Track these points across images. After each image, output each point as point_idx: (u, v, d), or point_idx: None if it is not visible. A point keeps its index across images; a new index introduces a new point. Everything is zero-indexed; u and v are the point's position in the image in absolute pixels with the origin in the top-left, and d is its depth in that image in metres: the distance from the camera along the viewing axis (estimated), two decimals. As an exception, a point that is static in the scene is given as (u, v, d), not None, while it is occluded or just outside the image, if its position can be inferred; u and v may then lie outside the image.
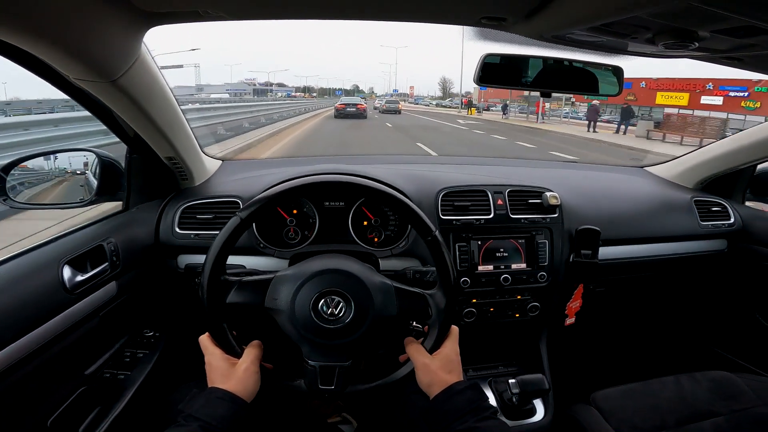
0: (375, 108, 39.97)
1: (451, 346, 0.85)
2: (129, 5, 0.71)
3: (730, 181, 1.71)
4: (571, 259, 1.36)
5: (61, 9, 0.63)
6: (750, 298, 1.67)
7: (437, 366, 0.81)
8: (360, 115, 23.33)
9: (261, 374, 0.80)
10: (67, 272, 0.91)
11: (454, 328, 0.87)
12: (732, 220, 1.63)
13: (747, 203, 1.75)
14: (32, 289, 0.84)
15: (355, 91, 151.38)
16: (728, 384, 1.20)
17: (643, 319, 1.97)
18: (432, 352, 0.83)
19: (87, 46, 0.72)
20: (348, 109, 23.46)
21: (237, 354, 0.81)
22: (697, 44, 0.73)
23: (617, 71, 1.06)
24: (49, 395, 0.93)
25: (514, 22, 0.79)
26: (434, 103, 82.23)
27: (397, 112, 32.75)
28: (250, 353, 0.81)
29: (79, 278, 0.94)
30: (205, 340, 0.82)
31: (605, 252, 1.40)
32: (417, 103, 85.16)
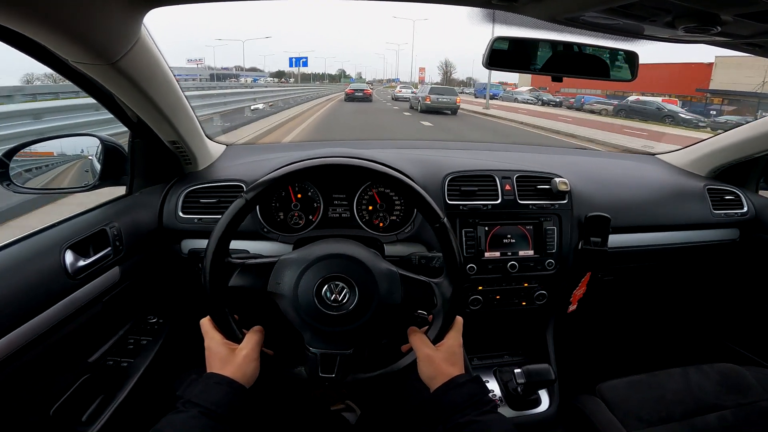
0: (396, 99, 30.47)
1: (455, 338, 0.84)
2: None
3: (744, 170, 1.67)
4: (579, 247, 1.34)
5: None
6: (761, 289, 1.65)
7: (440, 358, 0.80)
8: (366, 98, 28.47)
9: (261, 360, 0.80)
10: (69, 257, 0.90)
11: (459, 319, 0.86)
12: (745, 209, 1.60)
13: (761, 192, 1.71)
14: (33, 274, 0.83)
15: (341, 75, 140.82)
16: (736, 377, 1.19)
17: (651, 309, 1.96)
18: (436, 342, 0.82)
19: (85, 29, 0.70)
20: (356, 94, 28.66)
21: (238, 339, 0.80)
22: (719, 28, 0.69)
23: (632, 56, 1.03)
24: (52, 383, 0.92)
25: (526, 2, 0.76)
26: (534, 97, 37.01)
27: (453, 111, 20.22)
28: (251, 339, 0.80)
29: (82, 263, 0.93)
30: (206, 323, 0.81)
31: (615, 240, 1.38)
32: (478, 95, 45.83)
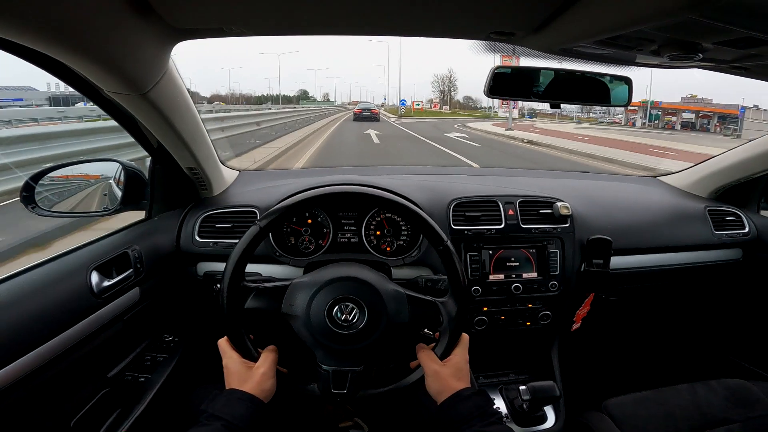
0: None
1: (461, 354, 0.87)
2: (161, 22, 0.75)
3: (745, 190, 1.70)
4: (582, 269, 1.37)
5: (100, 26, 0.67)
6: (765, 307, 1.65)
7: (447, 373, 0.83)
8: (374, 118, 30.17)
9: (276, 378, 0.83)
10: (94, 278, 0.95)
11: (465, 336, 0.89)
12: (747, 229, 1.62)
13: (762, 212, 1.73)
14: (63, 292, 0.88)
15: (301, 97, 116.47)
16: (744, 391, 1.19)
17: (656, 327, 1.95)
18: (442, 358, 0.86)
19: (122, 61, 0.76)
20: (364, 113, 30.37)
21: (254, 358, 0.84)
22: (701, 55, 0.75)
23: (626, 81, 1.08)
24: (74, 396, 0.96)
25: (523, 36, 0.82)
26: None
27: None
28: (267, 357, 0.84)
29: (106, 283, 0.98)
30: (223, 343, 0.85)
31: (617, 261, 1.41)
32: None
